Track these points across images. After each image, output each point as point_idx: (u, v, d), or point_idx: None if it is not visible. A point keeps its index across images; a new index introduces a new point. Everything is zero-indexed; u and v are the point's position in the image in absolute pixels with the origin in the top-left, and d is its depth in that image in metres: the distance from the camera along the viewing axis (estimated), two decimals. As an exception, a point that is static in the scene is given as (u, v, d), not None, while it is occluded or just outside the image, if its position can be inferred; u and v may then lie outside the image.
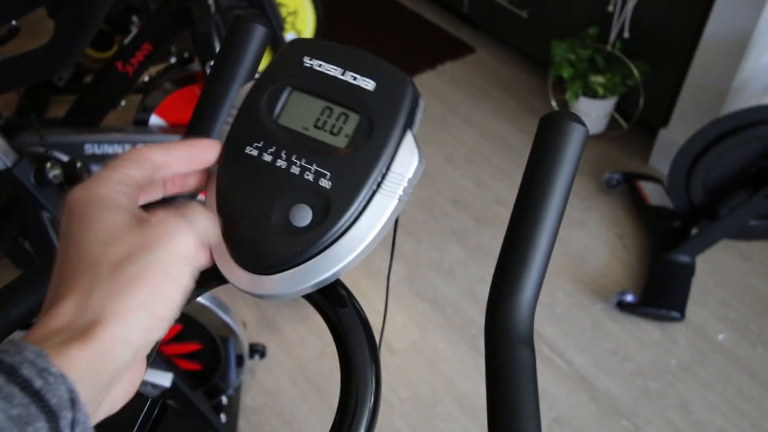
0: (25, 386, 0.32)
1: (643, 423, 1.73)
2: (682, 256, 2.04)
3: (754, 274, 2.10)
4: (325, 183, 0.46)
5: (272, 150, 0.48)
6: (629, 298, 1.96)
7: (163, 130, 1.88)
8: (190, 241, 0.40)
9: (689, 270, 2.04)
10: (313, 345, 1.84)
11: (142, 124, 1.90)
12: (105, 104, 1.90)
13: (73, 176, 1.16)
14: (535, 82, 2.85)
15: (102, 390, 0.36)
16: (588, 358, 1.87)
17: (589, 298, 2.02)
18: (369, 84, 0.48)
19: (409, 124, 0.48)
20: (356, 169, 0.46)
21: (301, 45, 0.51)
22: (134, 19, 2.27)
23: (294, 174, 0.47)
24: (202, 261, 0.45)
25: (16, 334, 0.43)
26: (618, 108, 2.54)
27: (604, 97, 2.43)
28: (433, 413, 1.74)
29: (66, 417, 0.32)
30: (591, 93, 2.43)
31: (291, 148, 0.48)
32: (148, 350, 0.39)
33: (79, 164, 1.15)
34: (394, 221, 0.48)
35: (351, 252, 0.46)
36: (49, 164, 1.12)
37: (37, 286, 0.52)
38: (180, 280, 0.39)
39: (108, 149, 1.78)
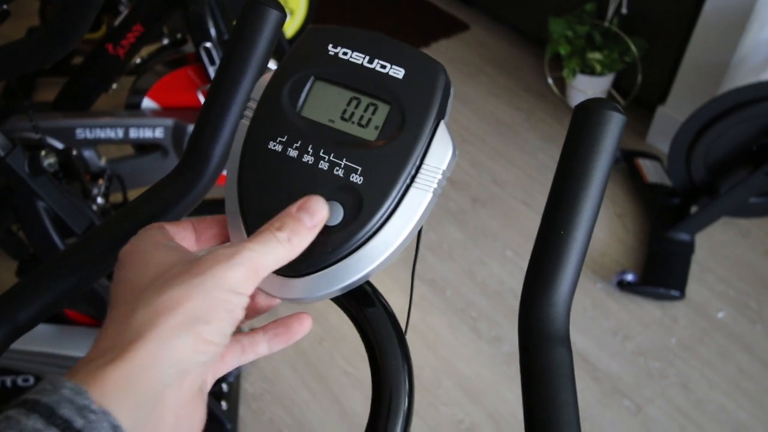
0: (66, 427, 0.30)
1: (644, 402, 1.73)
2: (681, 234, 2.04)
3: (754, 252, 2.10)
4: (356, 178, 0.44)
5: (297, 144, 0.45)
6: (629, 277, 1.95)
7: (156, 113, 1.84)
8: (241, 275, 0.38)
9: (689, 248, 2.03)
10: (312, 330, 1.81)
11: (134, 107, 1.86)
12: (96, 87, 1.85)
13: (68, 164, 1.13)
14: (530, 59, 2.82)
15: (148, 415, 0.34)
16: (589, 339, 1.86)
17: (590, 278, 2.01)
18: (399, 72, 0.45)
19: (441, 114, 0.45)
20: (389, 162, 0.44)
21: (324, 32, 0.47)
22: (123, -2, 2.22)
23: (322, 170, 0.44)
24: (254, 286, 0.41)
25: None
26: (615, 85, 2.52)
27: (601, 74, 2.40)
28: (435, 396, 1.73)
29: None
30: (588, 70, 2.40)
31: (318, 142, 0.45)
32: (197, 375, 0.37)
33: (74, 152, 1.12)
34: (427, 216, 0.46)
35: (385, 250, 0.44)
36: (43, 152, 1.08)
37: (45, 288, 0.50)
38: (227, 306, 0.37)
39: (100, 134, 1.74)
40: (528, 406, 0.42)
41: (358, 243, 0.44)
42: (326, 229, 0.44)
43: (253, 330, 0.47)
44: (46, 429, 0.30)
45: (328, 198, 0.44)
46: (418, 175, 0.44)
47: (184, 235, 0.45)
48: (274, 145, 0.45)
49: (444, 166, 0.45)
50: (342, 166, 0.44)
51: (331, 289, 0.44)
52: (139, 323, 0.35)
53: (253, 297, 0.44)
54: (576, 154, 0.44)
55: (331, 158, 0.44)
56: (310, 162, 0.44)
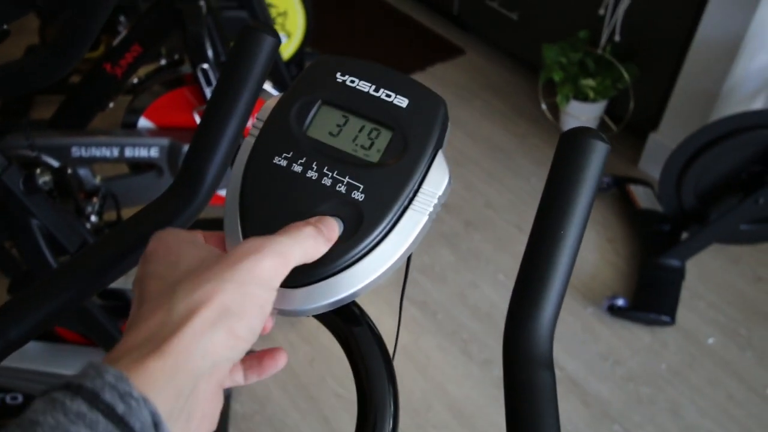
0: (109, 412, 0.32)
1: (634, 428, 1.73)
2: (672, 260, 2.05)
3: (744, 279, 2.11)
4: (358, 195, 0.46)
5: (302, 161, 0.47)
6: (620, 302, 1.96)
7: (152, 133, 1.85)
8: (271, 264, 0.40)
9: (679, 274, 2.04)
10: (303, 351, 1.82)
11: (130, 126, 1.87)
12: (93, 106, 1.87)
13: (62, 182, 1.14)
14: (525, 84, 2.85)
15: (183, 405, 0.36)
16: (579, 363, 1.87)
17: (580, 303, 2.02)
18: (403, 102, 0.48)
19: (440, 144, 0.48)
20: (389, 183, 0.46)
21: (333, 61, 0.50)
22: (122, 18, 2.24)
23: (325, 185, 0.46)
24: (282, 279, 0.43)
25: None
26: (608, 111, 2.55)
27: (594, 100, 2.43)
28: (425, 420, 1.73)
29: None
30: (581, 96, 2.43)
31: (322, 160, 0.47)
32: (225, 369, 0.39)
33: (69, 170, 1.13)
34: (421, 239, 0.48)
35: (380, 267, 0.46)
36: (38, 170, 1.09)
37: (37, 306, 0.50)
38: (257, 302, 0.39)
39: (95, 152, 1.75)
40: (511, 427, 0.43)
41: (355, 258, 0.46)
42: None
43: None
44: (90, 412, 0.31)
45: (329, 212, 0.46)
46: (416, 198, 0.47)
47: None
48: (279, 160, 0.47)
49: (440, 192, 0.47)
50: (345, 183, 0.46)
51: (325, 301, 0.46)
52: (175, 317, 0.37)
53: None
54: (561, 181, 0.45)
55: (334, 175, 0.46)
56: (313, 177, 0.47)
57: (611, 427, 1.74)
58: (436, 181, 0.47)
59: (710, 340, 1.94)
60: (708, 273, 2.12)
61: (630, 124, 2.51)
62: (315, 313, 0.47)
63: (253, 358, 0.48)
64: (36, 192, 1.10)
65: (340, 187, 0.46)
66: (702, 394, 1.81)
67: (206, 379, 0.37)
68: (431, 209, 0.47)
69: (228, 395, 1.70)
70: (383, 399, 0.48)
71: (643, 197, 2.25)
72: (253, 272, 0.39)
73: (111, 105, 1.94)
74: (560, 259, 0.45)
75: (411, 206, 0.46)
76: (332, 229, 0.44)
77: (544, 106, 2.67)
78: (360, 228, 0.45)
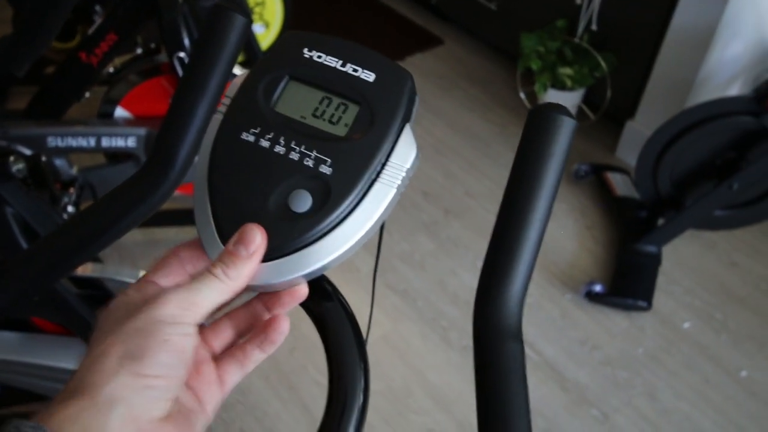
0: None
1: (611, 411, 1.76)
2: (648, 247, 2.07)
3: (719, 264, 2.14)
4: (325, 169, 0.46)
5: (270, 136, 0.47)
6: (597, 288, 1.98)
7: (128, 123, 1.84)
8: (168, 308, 0.42)
9: (656, 260, 2.07)
10: (284, 340, 1.82)
11: (107, 116, 1.86)
12: (68, 96, 1.85)
13: (36, 170, 1.13)
14: (503, 74, 2.86)
15: None
16: (558, 349, 1.89)
17: (559, 289, 2.04)
18: (369, 76, 0.48)
19: (407, 118, 0.48)
20: (357, 157, 0.46)
21: (300, 37, 0.51)
22: (97, 8, 2.22)
23: (293, 160, 0.46)
24: (196, 318, 0.44)
25: None
26: (586, 100, 2.57)
27: (572, 89, 2.45)
28: (405, 406, 1.74)
29: None
30: (559, 85, 2.44)
31: (290, 135, 0.47)
32: (148, 409, 0.40)
33: (43, 158, 1.12)
34: (389, 212, 0.48)
35: (348, 240, 0.46)
36: (12, 158, 1.08)
37: (4, 286, 0.50)
38: (159, 337, 0.41)
39: (72, 142, 1.74)
40: (480, 399, 0.44)
41: (324, 231, 0.46)
42: (294, 216, 0.46)
43: (242, 342, 0.50)
44: None
45: (297, 186, 0.46)
46: (384, 171, 0.47)
47: (170, 272, 0.47)
48: (247, 136, 0.47)
49: (408, 165, 0.47)
50: (312, 157, 0.46)
51: (294, 275, 0.46)
52: (84, 368, 0.41)
53: None
54: (528, 156, 0.45)
55: (302, 149, 0.47)
56: (281, 152, 0.47)
57: (589, 411, 1.76)
58: (404, 154, 0.47)
59: (686, 325, 1.97)
60: (684, 258, 2.14)
61: (607, 113, 2.53)
62: (286, 287, 0.47)
63: (259, 331, 0.49)
64: (9, 179, 1.09)
65: (307, 161, 0.46)
66: (678, 377, 1.84)
67: (125, 423, 0.39)
68: (399, 182, 0.47)
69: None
70: (354, 374, 0.48)
71: (621, 184, 2.28)
72: (150, 317, 0.41)
73: (87, 95, 1.92)
74: (528, 234, 0.45)
75: (378, 179, 0.47)
76: (250, 242, 0.44)
77: (522, 95, 2.68)
78: (328, 201, 0.46)
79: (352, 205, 0.46)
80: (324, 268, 0.46)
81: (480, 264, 0.46)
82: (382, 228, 0.50)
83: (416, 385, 1.78)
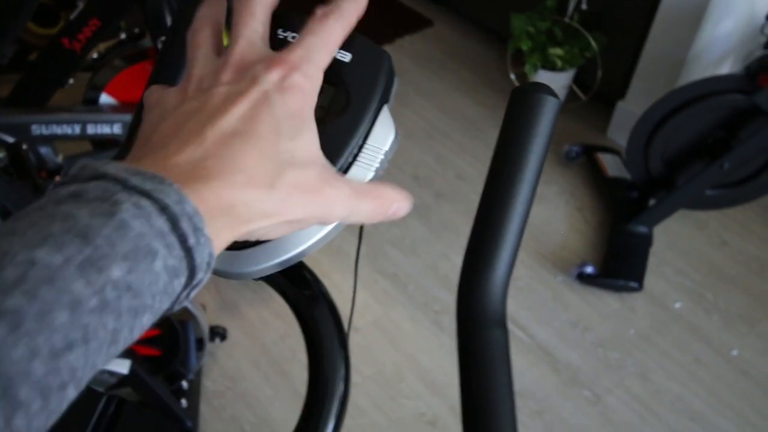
0: (182, 240, 0.32)
1: (603, 392, 1.76)
2: (640, 227, 2.07)
3: (710, 244, 2.14)
4: None
5: None
6: (589, 269, 1.98)
7: (113, 109, 1.81)
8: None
9: (647, 240, 2.07)
10: (275, 326, 1.81)
11: (92, 102, 1.83)
12: (52, 83, 1.82)
13: (18, 159, 1.12)
14: (493, 55, 2.84)
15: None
16: (549, 331, 1.88)
17: (550, 271, 2.04)
18: (345, 56, 0.47)
19: (385, 99, 0.47)
20: (332, 139, 0.44)
21: (274, 18, 0.49)
22: (80, -7, 2.18)
23: None
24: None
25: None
26: (576, 80, 2.55)
27: (562, 69, 2.43)
28: (397, 390, 1.74)
29: (199, 279, 0.33)
30: (550, 65, 2.43)
31: None
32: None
33: (24, 146, 1.10)
34: None
35: (326, 225, 0.44)
36: (-9, 147, 1.07)
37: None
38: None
39: (56, 130, 1.71)
40: (464, 385, 0.43)
41: None
42: None
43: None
44: (169, 236, 0.31)
45: None
46: (361, 153, 0.45)
47: None
48: None
49: (386, 147, 0.46)
50: None
51: (271, 262, 0.44)
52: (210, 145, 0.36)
53: None
54: (511, 137, 0.45)
55: None
56: None
57: (581, 392, 1.76)
58: (382, 136, 0.46)
59: (677, 305, 1.97)
60: (675, 239, 2.14)
61: (598, 93, 2.52)
62: (262, 275, 0.46)
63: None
64: (-11, 169, 1.07)
65: None
66: (670, 357, 1.84)
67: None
68: (377, 165, 0.46)
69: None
70: (334, 363, 0.48)
71: (612, 165, 2.27)
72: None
73: (71, 81, 1.90)
74: (512, 217, 0.44)
75: (356, 162, 0.45)
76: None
77: (512, 76, 2.66)
78: None
79: None
80: (301, 254, 0.45)
81: (472, 248, 0.45)
82: None
83: (408, 369, 1.78)
